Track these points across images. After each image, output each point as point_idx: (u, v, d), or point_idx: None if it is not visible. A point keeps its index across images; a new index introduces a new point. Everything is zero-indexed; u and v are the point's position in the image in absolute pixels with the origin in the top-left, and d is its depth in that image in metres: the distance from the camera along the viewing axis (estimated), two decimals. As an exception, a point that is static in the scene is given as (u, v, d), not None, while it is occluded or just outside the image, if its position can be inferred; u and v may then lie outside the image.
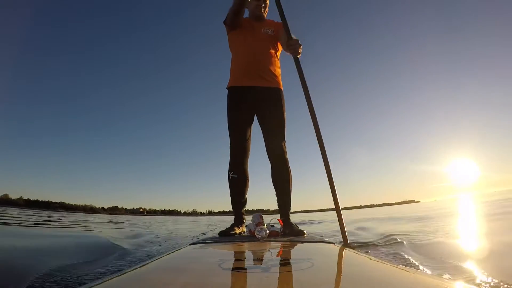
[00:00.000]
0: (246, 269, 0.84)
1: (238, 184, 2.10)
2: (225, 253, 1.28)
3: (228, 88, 2.16)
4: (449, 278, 1.39)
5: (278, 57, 2.21)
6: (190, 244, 1.48)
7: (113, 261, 2.18)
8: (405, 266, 1.71)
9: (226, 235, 1.91)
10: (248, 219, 2.09)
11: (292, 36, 1.98)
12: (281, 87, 2.15)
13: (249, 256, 1.16)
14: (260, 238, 1.48)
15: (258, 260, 1.03)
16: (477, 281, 1.32)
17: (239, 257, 1.11)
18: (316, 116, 1.93)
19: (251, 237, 1.72)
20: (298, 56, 1.98)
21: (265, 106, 2.09)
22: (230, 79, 2.17)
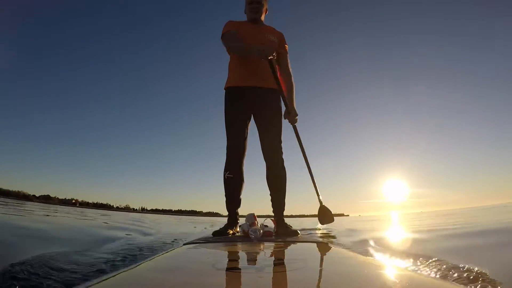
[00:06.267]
0: (240, 269, 0.85)
1: (234, 184, 2.09)
2: (219, 253, 1.29)
3: (225, 88, 2.16)
4: (441, 278, 1.42)
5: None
6: (184, 244, 1.49)
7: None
8: (398, 265, 1.73)
9: (220, 235, 1.92)
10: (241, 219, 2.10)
11: (290, 106, 2.12)
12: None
13: (243, 256, 1.17)
14: (254, 238, 1.49)
15: (252, 260, 1.04)
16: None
17: (233, 257, 1.11)
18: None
19: (245, 237, 1.73)
20: (295, 124, 2.13)
21: (263, 106, 2.09)
22: (228, 80, 2.17)
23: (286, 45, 2.24)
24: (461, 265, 1.49)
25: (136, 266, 0.91)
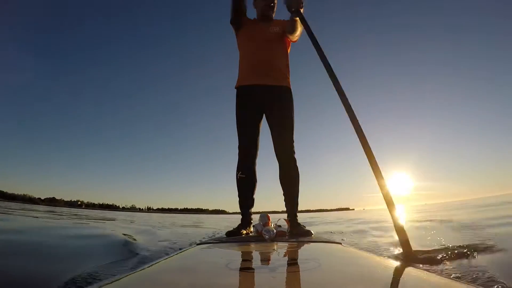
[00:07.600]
0: (253, 269, 0.85)
1: (246, 184, 2.08)
2: (232, 253, 1.28)
3: (236, 87, 2.16)
4: (457, 279, 1.37)
5: (288, 56, 2.20)
6: (198, 244, 1.49)
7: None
8: (412, 265, 1.69)
9: (233, 235, 1.92)
10: (255, 219, 2.09)
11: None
12: (290, 86, 2.14)
13: (256, 256, 1.16)
14: (268, 239, 1.48)
15: (265, 260, 1.03)
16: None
17: (246, 257, 1.11)
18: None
19: (258, 237, 1.72)
20: (295, 11, 1.90)
21: (274, 105, 2.08)
22: (238, 79, 2.16)
23: None
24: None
25: (149, 266, 0.92)
